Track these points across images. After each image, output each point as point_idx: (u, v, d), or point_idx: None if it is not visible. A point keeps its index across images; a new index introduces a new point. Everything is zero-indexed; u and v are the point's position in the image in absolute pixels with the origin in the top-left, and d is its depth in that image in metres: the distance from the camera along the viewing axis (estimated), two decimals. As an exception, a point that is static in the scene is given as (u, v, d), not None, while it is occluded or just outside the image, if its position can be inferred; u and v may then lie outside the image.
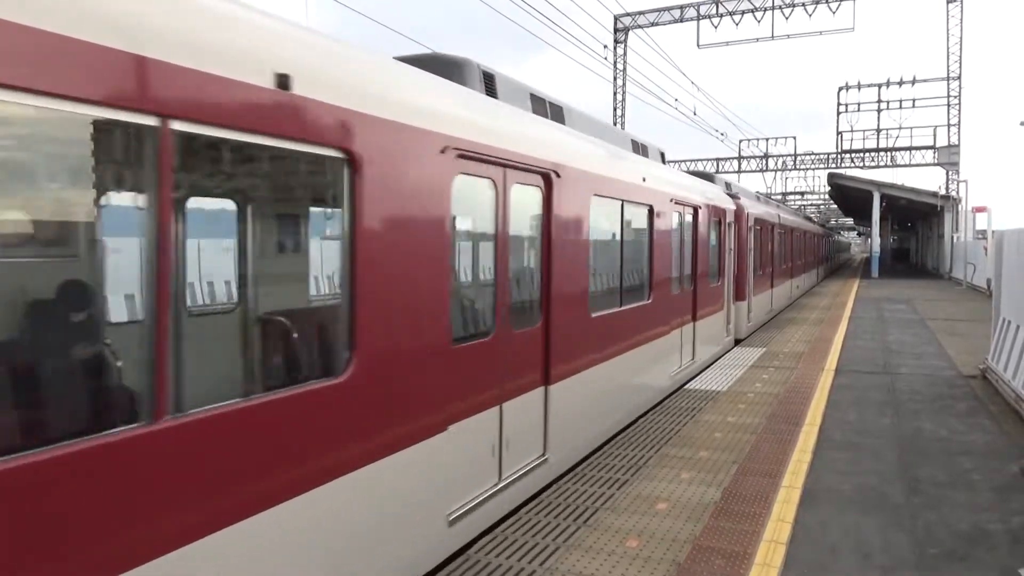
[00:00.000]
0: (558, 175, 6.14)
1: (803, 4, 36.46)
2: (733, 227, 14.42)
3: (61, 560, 2.51)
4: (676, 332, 10.11)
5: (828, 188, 50.88)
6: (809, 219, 29.16)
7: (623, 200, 8.04)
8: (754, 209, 16.66)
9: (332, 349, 4.05)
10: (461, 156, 4.81)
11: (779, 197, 55.38)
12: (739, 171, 48.81)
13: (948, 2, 39.62)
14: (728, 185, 16.60)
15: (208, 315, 5.47)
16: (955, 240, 38.24)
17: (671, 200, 9.74)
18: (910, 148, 41.89)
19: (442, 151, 4.58)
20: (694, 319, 11.10)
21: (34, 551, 2.43)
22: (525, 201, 5.86)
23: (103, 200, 3.78)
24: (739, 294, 15.09)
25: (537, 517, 5.36)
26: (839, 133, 43.68)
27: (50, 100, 2.45)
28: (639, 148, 9.84)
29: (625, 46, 42.81)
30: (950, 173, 40.44)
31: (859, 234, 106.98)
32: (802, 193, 62.44)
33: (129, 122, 2.73)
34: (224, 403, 3.13)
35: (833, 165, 44.96)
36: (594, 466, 6.56)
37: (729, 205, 14.15)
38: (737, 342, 14.64)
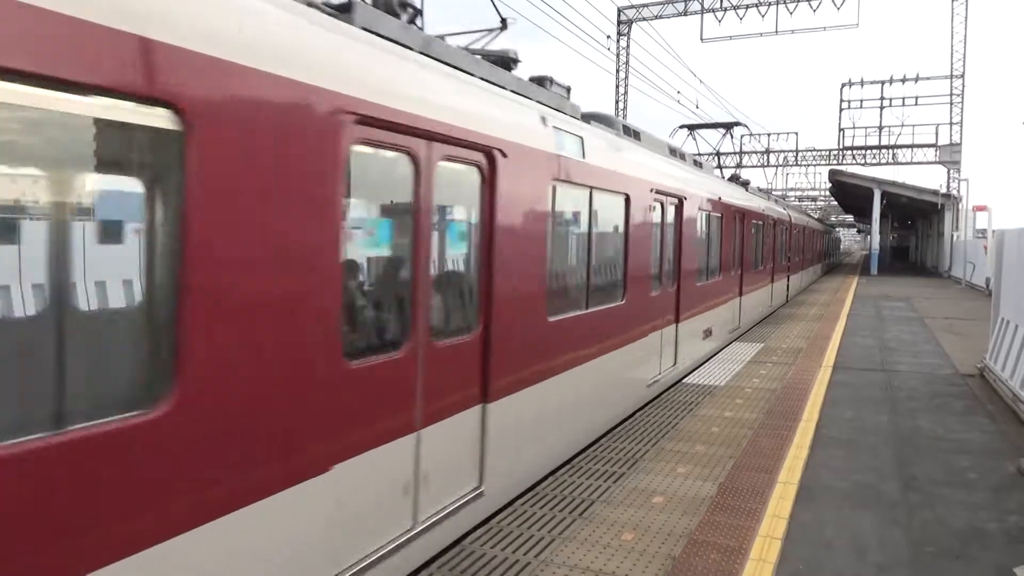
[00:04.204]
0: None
1: (808, -1, 36.27)
2: None
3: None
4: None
5: (829, 185, 50.82)
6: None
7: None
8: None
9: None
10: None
11: (779, 193, 55.30)
12: (739, 166, 48.72)
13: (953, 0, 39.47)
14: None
15: None
16: (955, 239, 38.21)
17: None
18: (912, 146, 41.79)
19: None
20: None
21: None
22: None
23: None
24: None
25: (532, 509, 5.35)
26: (841, 130, 43.59)
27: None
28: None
29: (628, 38, 42.64)
30: (951, 171, 40.41)
31: (859, 231, 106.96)
32: (815, 199, 62.38)
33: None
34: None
35: (835, 162, 44.90)
36: (591, 459, 6.55)
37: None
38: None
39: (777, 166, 49.71)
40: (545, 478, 6.24)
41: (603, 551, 4.69)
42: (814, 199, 69.58)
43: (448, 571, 4.37)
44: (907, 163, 42.31)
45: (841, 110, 43.49)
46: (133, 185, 3.01)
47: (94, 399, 2.80)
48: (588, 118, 7.71)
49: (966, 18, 39.36)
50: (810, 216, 42.38)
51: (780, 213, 20.93)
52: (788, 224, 23.14)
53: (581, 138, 6.82)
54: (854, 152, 43.54)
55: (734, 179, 17.42)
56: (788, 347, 13.27)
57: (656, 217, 9.00)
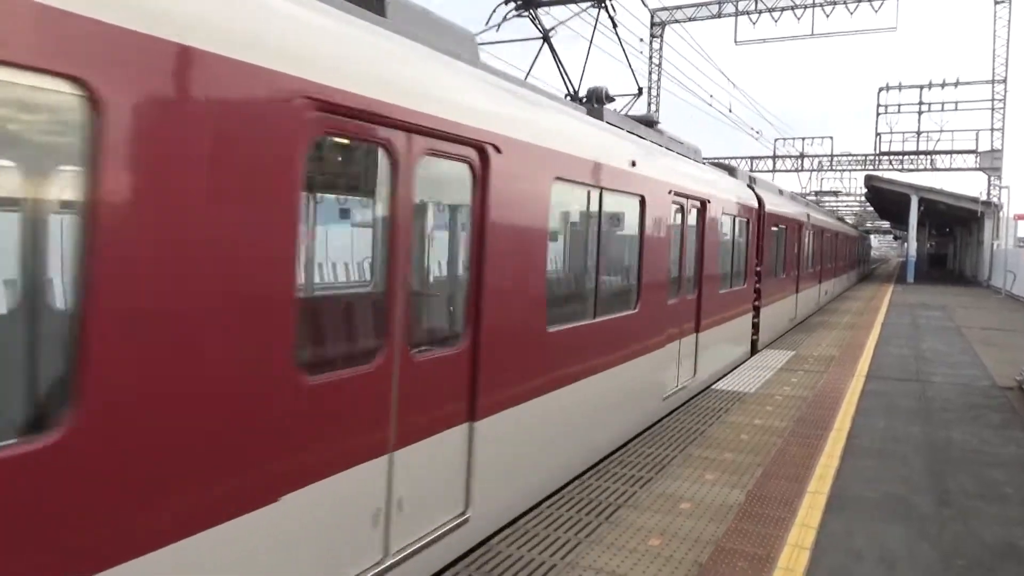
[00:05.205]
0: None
1: (845, 2, 35.79)
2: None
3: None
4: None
5: (864, 190, 50.05)
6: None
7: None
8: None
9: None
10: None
11: (813, 197, 54.54)
12: (774, 170, 48.25)
13: (996, 3, 38.61)
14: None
15: None
16: (995, 247, 37.37)
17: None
18: (951, 152, 40.99)
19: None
20: None
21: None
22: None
23: None
24: None
25: (559, 512, 5.39)
26: (878, 134, 42.92)
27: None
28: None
29: (661, 40, 42.46)
30: (992, 178, 39.52)
31: (895, 237, 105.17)
32: (836, 193, 61.54)
33: None
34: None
35: (871, 167, 44.20)
36: (617, 463, 6.57)
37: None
38: None
39: (812, 171, 49.12)
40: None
41: (629, 555, 4.71)
42: (836, 194, 68.28)
43: (475, 570, 4.43)
44: (946, 169, 41.49)
45: (878, 115, 42.83)
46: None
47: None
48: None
49: (1009, 21, 38.49)
50: (823, 210, 31.33)
51: (741, 197, 12.29)
52: (756, 217, 13.36)
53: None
54: (891, 157, 42.83)
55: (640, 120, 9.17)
56: (820, 355, 13.12)
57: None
